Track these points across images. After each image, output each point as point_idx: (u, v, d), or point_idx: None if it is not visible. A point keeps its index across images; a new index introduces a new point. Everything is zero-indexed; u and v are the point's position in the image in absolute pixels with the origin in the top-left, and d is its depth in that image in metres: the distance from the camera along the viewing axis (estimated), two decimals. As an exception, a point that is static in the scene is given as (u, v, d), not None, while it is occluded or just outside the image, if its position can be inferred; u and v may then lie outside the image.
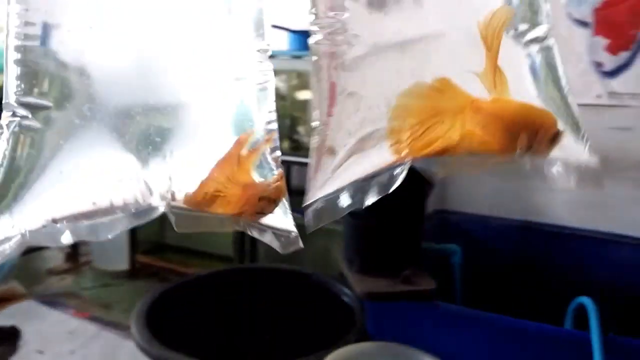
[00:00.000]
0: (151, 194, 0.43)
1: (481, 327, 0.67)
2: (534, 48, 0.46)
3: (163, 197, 0.43)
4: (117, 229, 0.42)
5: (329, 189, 0.44)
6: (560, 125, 0.43)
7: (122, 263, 1.83)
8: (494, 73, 0.42)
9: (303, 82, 1.88)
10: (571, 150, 0.44)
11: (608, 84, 1.14)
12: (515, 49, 0.45)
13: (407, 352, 0.68)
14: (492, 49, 0.42)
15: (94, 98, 0.41)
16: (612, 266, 0.90)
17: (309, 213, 0.43)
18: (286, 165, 2.09)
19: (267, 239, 0.44)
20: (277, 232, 0.44)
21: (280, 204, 0.44)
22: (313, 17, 0.44)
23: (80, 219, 0.41)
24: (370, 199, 0.44)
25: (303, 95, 1.90)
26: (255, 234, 0.44)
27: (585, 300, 0.62)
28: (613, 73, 1.13)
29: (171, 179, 0.43)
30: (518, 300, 0.78)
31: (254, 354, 0.95)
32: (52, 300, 1.62)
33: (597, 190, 1.11)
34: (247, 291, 0.67)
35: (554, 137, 0.42)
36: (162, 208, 0.43)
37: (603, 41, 1.12)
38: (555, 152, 0.43)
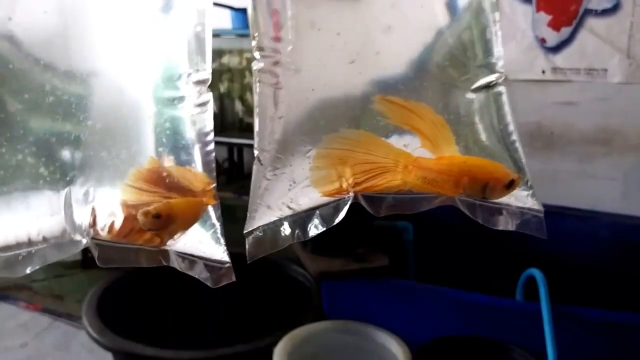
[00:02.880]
0: (73, 227, 0.40)
1: (434, 301, 0.68)
2: (483, 94, 0.45)
3: (85, 231, 0.40)
4: (36, 264, 0.40)
5: (270, 217, 0.43)
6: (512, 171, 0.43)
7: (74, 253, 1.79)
8: (439, 134, 0.42)
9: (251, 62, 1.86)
10: (515, 195, 0.44)
11: (551, 59, 1.16)
12: (464, 96, 0.45)
13: (363, 328, 0.69)
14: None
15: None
16: (560, 238, 0.93)
17: (250, 243, 0.42)
18: (238, 148, 2.08)
19: (197, 271, 0.41)
20: (209, 264, 0.41)
21: (210, 232, 0.41)
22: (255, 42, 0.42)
23: None
24: (313, 232, 0.44)
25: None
26: (184, 268, 0.41)
27: (535, 272, 0.64)
28: (556, 49, 1.15)
29: (94, 208, 0.40)
30: (469, 274, 0.80)
31: (210, 339, 0.94)
32: (1, 294, 1.57)
33: (544, 165, 1.14)
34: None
35: (509, 185, 0.42)
36: (84, 241, 0.41)
37: (546, 17, 1.14)
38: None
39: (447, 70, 0.45)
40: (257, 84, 0.42)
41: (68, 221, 0.40)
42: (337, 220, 0.43)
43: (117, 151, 0.41)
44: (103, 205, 0.40)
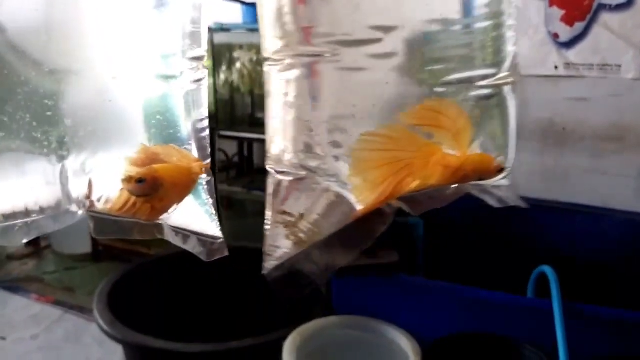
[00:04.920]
0: (69, 198, 0.40)
1: (444, 298, 0.67)
2: (489, 91, 0.46)
3: (81, 202, 0.40)
4: (32, 234, 0.40)
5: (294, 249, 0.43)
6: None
7: (84, 246, 1.80)
8: (463, 132, 0.44)
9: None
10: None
11: (564, 54, 1.15)
12: (472, 94, 0.46)
13: (372, 324, 0.68)
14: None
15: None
16: (572, 235, 0.92)
17: (273, 281, 0.42)
18: (248, 142, 2.08)
19: (191, 245, 0.41)
20: (202, 239, 0.41)
21: (204, 208, 0.41)
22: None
23: None
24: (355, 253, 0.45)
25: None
26: (178, 241, 0.41)
27: (547, 269, 0.64)
28: (569, 44, 1.14)
29: (90, 181, 0.40)
30: (480, 271, 0.79)
31: (219, 333, 0.94)
32: (13, 286, 1.59)
33: (555, 162, 1.13)
34: (211, 270, 0.66)
35: (499, 171, 0.46)
36: (80, 212, 0.41)
37: (559, 12, 1.13)
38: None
39: (454, 67, 0.45)
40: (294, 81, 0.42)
41: (64, 192, 0.40)
42: (377, 236, 0.44)
43: (113, 126, 0.41)
44: (99, 178, 0.40)
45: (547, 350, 0.57)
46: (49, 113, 0.40)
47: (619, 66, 1.16)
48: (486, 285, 0.65)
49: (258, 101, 1.87)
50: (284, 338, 0.67)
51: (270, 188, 0.42)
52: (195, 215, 0.41)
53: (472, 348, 0.61)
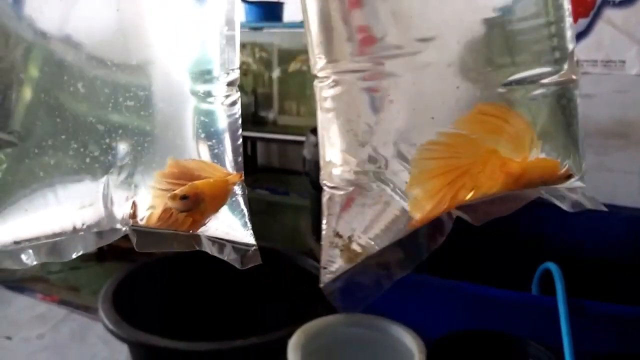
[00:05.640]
0: (114, 217, 0.42)
1: (448, 296, 0.67)
2: (552, 89, 0.44)
3: (125, 221, 0.42)
4: (80, 250, 0.42)
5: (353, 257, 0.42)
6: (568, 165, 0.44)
7: (89, 245, 1.80)
8: (530, 139, 0.42)
9: (266, 56, 1.85)
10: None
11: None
12: (535, 92, 0.43)
13: (377, 321, 0.68)
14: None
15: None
16: (576, 232, 0.92)
17: (332, 298, 0.42)
18: (251, 141, 2.08)
19: (226, 253, 0.42)
20: (237, 246, 0.42)
21: (240, 217, 0.42)
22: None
23: (43, 240, 0.41)
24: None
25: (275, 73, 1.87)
26: (215, 251, 0.42)
27: (551, 266, 0.64)
28: (573, 40, 1.14)
29: (134, 202, 0.41)
30: (485, 268, 0.79)
31: (224, 332, 0.95)
32: (18, 286, 1.59)
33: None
34: (217, 269, 0.66)
35: (566, 178, 0.44)
36: (124, 229, 0.42)
37: (563, 9, 1.13)
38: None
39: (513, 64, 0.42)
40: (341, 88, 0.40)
41: (108, 211, 0.41)
42: (438, 245, 0.43)
43: (157, 141, 0.42)
44: (142, 197, 0.41)
45: (553, 348, 0.57)
46: (100, 128, 0.41)
47: (623, 62, 1.16)
48: (491, 283, 0.65)
49: (261, 100, 1.88)
50: (289, 336, 0.67)
51: (324, 203, 0.42)
52: (231, 225, 0.42)
53: (476, 346, 0.61)
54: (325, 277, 0.42)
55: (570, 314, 0.57)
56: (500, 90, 0.42)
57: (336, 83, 0.41)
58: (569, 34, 0.44)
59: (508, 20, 0.42)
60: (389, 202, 0.41)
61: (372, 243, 0.41)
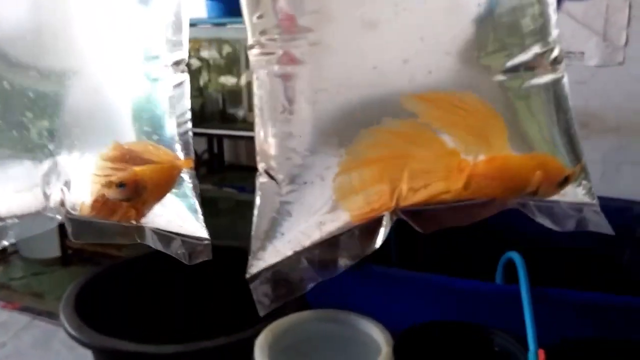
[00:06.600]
0: (47, 203, 0.40)
1: (414, 288, 0.67)
2: (539, 81, 0.39)
3: (57, 209, 0.40)
4: (10, 237, 0.40)
5: (283, 251, 0.39)
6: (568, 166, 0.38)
7: (53, 250, 1.76)
8: (488, 128, 0.36)
9: (231, 52, 1.83)
10: (569, 190, 0.40)
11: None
12: (514, 84, 0.38)
13: (345, 316, 0.68)
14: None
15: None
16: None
17: (257, 289, 0.39)
18: (218, 139, 2.06)
19: (173, 248, 0.40)
20: (186, 240, 0.40)
21: (189, 206, 0.39)
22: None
23: None
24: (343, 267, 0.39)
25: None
26: (160, 246, 0.40)
27: (513, 255, 0.64)
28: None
29: (68, 187, 0.39)
30: (454, 259, 0.80)
31: (192, 333, 0.93)
32: (-22, 294, 1.55)
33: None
34: (181, 270, 0.65)
35: (564, 181, 0.38)
36: (59, 217, 0.40)
37: None
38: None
39: (493, 54, 0.37)
40: (259, 76, 0.37)
41: (43, 198, 0.39)
42: (374, 248, 0.40)
43: (92, 130, 0.40)
44: (78, 184, 0.39)
45: (518, 336, 0.57)
46: (30, 115, 0.39)
47: (582, 53, 1.18)
48: (461, 274, 0.65)
49: (229, 97, 1.86)
50: (256, 335, 0.66)
51: (255, 194, 0.40)
52: (179, 215, 0.40)
53: (442, 336, 0.62)
54: (252, 269, 0.40)
55: (533, 301, 0.57)
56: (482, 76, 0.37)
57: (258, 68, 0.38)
58: (553, 19, 0.40)
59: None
60: (319, 196, 0.39)
61: (301, 237, 0.39)
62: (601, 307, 0.61)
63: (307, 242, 0.39)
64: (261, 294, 0.39)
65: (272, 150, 0.37)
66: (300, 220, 0.39)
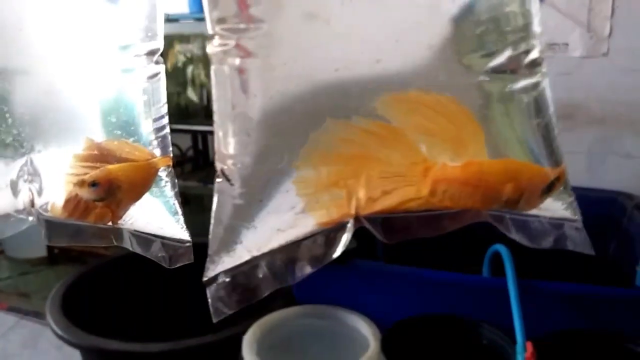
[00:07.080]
0: (17, 204, 0.38)
1: (401, 282, 0.67)
2: (520, 84, 0.37)
3: (27, 210, 0.38)
4: None
5: (241, 256, 0.36)
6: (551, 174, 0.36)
7: (39, 250, 1.75)
8: (464, 132, 0.33)
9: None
10: (548, 204, 0.37)
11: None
12: (494, 87, 0.35)
13: (333, 311, 0.68)
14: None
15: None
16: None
17: (212, 294, 0.37)
18: (202, 135, 2.05)
19: (153, 251, 0.38)
20: (167, 243, 0.38)
21: (168, 207, 0.37)
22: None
23: None
24: (301, 274, 0.36)
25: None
26: (138, 249, 0.38)
27: (500, 247, 0.64)
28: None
29: (39, 186, 0.38)
30: (440, 253, 0.80)
31: (179, 331, 0.93)
32: (-35, 295, 1.53)
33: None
34: (167, 268, 0.64)
35: (548, 189, 0.36)
36: (30, 218, 0.39)
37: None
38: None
39: (473, 52, 0.35)
40: (216, 69, 0.34)
41: (12, 198, 0.38)
42: (334, 256, 0.38)
43: (62, 127, 0.38)
44: (49, 183, 0.38)
45: (506, 329, 0.57)
46: None
47: (567, 45, 1.18)
48: (447, 267, 0.65)
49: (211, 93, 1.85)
50: (244, 332, 0.66)
51: (214, 195, 0.37)
52: (158, 216, 0.38)
53: (429, 330, 0.62)
54: (209, 272, 0.38)
55: (520, 294, 0.57)
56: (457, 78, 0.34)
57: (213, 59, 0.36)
58: (536, 16, 0.37)
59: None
60: (279, 198, 0.37)
61: (260, 242, 0.37)
62: (588, 298, 0.61)
63: (265, 248, 0.37)
64: (216, 299, 0.37)
65: (229, 149, 0.35)
66: (257, 224, 0.36)
